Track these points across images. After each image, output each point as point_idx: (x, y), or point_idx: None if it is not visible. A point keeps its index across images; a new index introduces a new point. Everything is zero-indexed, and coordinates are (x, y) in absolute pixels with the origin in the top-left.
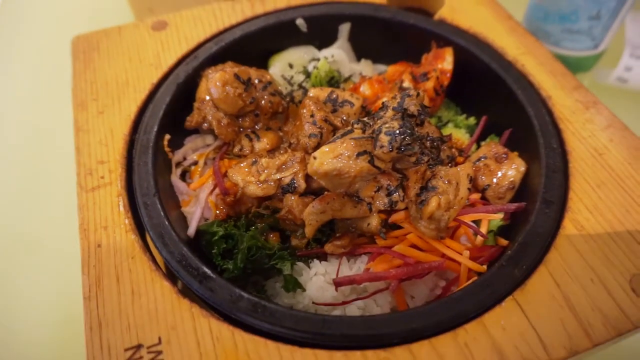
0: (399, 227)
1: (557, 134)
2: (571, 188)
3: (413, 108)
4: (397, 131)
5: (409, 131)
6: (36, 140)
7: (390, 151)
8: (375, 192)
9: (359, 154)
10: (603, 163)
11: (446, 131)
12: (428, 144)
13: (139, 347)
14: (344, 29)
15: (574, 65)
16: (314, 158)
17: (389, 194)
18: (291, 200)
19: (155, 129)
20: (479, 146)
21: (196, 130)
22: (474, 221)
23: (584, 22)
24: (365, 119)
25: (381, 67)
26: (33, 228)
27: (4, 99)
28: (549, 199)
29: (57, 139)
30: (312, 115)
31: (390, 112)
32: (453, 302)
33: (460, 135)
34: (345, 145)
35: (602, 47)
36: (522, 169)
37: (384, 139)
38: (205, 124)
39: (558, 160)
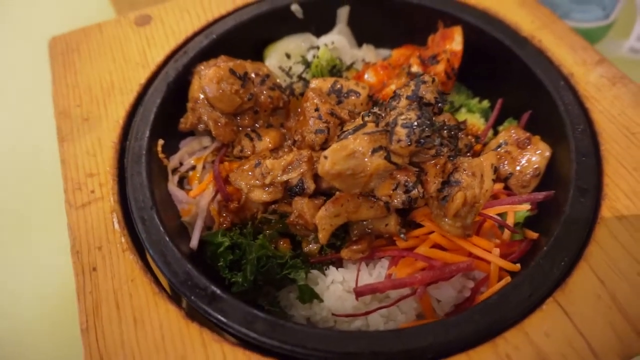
0: (419, 226)
1: (583, 114)
2: (605, 173)
3: (429, 96)
4: (415, 123)
5: (427, 122)
6: (18, 154)
7: (409, 145)
8: (393, 190)
9: (374, 150)
10: (637, 143)
11: (460, 117)
12: (445, 133)
13: None
14: (343, 12)
15: (585, 37)
16: (325, 157)
17: (407, 191)
18: (301, 203)
19: (147, 134)
20: (495, 131)
21: (191, 133)
22: (498, 214)
23: None
24: (375, 109)
25: (384, 52)
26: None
27: None
28: (582, 186)
29: (41, 152)
30: (316, 109)
31: (404, 102)
32: (490, 308)
33: (475, 121)
34: (358, 141)
35: (613, 17)
36: (547, 154)
37: (401, 132)
38: (201, 125)
39: (588, 143)
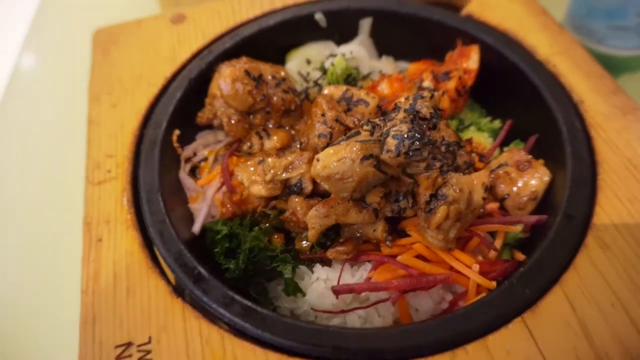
0: (408, 236)
1: (587, 142)
2: (598, 202)
3: (425, 110)
4: (405, 135)
5: (418, 135)
6: (59, 133)
7: (397, 156)
8: (381, 197)
9: (363, 158)
10: (637, 175)
11: (467, 134)
12: (443, 148)
13: (129, 344)
14: (365, 24)
15: (620, 65)
16: (317, 160)
17: (396, 200)
18: (295, 202)
19: (165, 124)
20: (501, 152)
21: (209, 126)
22: (489, 233)
23: (632, 18)
24: (376, 120)
25: (404, 64)
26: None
27: (30, 90)
28: (570, 213)
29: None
30: (323, 114)
31: (401, 114)
32: (454, 320)
33: (482, 140)
34: (349, 147)
35: None
36: (546, 178)
37: (390, 143)
38: (216, 120)
39: (585, 171)
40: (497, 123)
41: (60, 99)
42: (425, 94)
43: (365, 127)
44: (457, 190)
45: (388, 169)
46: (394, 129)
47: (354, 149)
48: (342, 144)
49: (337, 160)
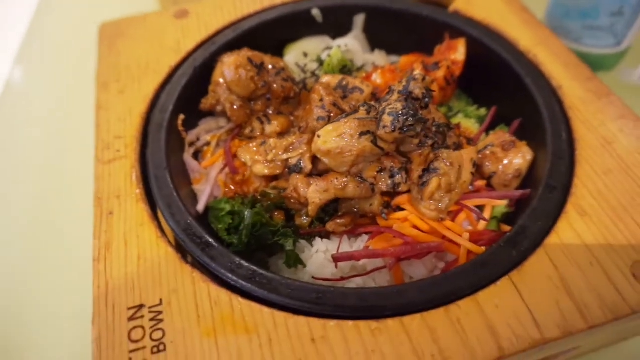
0: (402, 210)
1: (566, 123)
2: (576, 174)
3: (418, 91)
4: (400, 112)
5: (411, 112)
6: (61, 124)
7: (393, 131)
8: (377, 172)
9: (361, 134)
10: (611, 151)
11: (455, 121)
12: (434, 129)
13: (141, 306)
14: (359, 20)
15: (596, 63)
16: (318, 136)
17: (392, 176)
18: (296, 179)
19: (171, 108)
20: (487, 136)
21: (211, 114)
22: (478, 207)
23: (605, 18)
24: (372, 102)
25: (395, 58)
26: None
27: (34, 83)
28: (552, 185)
29: (81, 122)
30: (321, 100)
31: (395, 95)
32: (447, 279)
33: (469, 125)
34: (348, 124)
35: (626, 45)
36: (529, 157)
37: (386, 119)
38: (219, 107)
39: (564, 148)
40: (483, 111)
41: (56, 100)
42: (417, 76)
43: (362, 108)
44: (448, 164)
45: (384, 144)
46: (389, 107)
47: (353, 125)
48: (341, 122)
49: (337, 136)
